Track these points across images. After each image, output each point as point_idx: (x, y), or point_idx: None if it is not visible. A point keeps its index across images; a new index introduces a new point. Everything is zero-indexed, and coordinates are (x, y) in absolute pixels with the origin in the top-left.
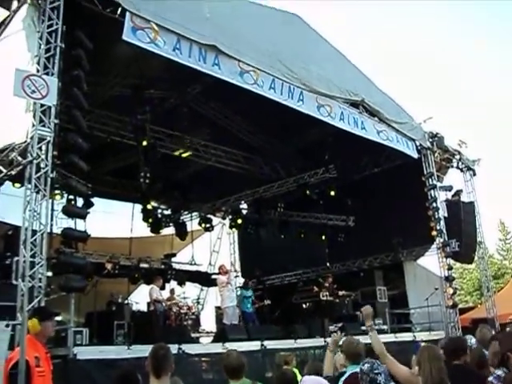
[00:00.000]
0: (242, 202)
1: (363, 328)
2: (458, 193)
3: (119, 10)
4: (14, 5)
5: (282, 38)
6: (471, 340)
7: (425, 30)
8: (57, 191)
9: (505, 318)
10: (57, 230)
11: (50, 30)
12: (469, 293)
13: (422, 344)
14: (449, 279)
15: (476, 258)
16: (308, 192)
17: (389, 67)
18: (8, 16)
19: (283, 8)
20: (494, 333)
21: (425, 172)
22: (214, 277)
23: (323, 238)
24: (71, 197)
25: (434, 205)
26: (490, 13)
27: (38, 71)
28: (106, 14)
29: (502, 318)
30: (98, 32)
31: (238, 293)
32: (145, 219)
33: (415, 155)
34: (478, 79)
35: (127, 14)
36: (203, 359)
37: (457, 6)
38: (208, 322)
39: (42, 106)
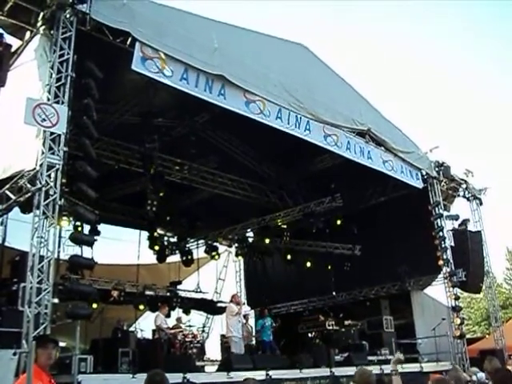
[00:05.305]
0: (249, 230)
1: (369, 358)
2: (465, 222)
3: (129, 39)
4: (27, 35)
5: (288, 68)
6: (477, 375)
7: (436, 54)
8: (64, 217)
9: None
10: (64, 256)
11: (61, 59)
12: (476, 323)
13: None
14: (456, 309)
15: (484, 287)
16: (313, 221)
17: (396, 95)
18: (21, 46)
19: (289, 38)
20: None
21: (431, 201)
22: (224, 305)
23: (329, 266)
24: (78, 223)
25: (441, 234)
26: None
27: (48, 100)
28: (116, 44)
29: (511, 349)
30: (107, 61)
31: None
32: (151, 246)
33: (420, 185)
34: (487, 107)
35: (137, 43)
36: None
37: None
38: (213, 351)
39: (51, 133)
